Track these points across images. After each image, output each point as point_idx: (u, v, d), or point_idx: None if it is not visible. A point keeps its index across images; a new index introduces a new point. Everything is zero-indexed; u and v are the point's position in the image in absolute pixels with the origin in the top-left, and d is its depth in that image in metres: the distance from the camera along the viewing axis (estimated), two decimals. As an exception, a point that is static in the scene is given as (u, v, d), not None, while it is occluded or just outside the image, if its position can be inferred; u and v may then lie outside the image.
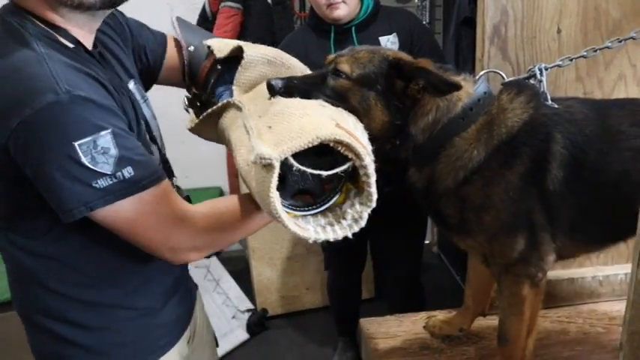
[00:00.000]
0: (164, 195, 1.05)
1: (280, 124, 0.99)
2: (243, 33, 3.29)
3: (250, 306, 3.28)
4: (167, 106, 1.25)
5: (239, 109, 1.15)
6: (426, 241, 3.18)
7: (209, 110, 1.24)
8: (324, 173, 0.97)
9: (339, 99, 1.16)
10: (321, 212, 1.02)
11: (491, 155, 1.19)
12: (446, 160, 1.22)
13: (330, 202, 1.01)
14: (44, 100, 0.92)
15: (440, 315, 1.69)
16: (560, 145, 1.19)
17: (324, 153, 0.97)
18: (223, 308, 3.25)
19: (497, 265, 1.27)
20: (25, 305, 1.19)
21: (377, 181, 0.99)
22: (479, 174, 1.19)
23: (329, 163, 0.98)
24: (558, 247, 1.24)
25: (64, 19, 1.05)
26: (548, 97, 1.23)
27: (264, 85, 1.16)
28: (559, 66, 1.33)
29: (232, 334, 3.13)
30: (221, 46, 1.32)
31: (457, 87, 1.14)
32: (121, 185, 0.98)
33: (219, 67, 1.32)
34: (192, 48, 1.34)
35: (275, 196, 0.92)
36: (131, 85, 1.23)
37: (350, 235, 1.00)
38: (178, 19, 1.38)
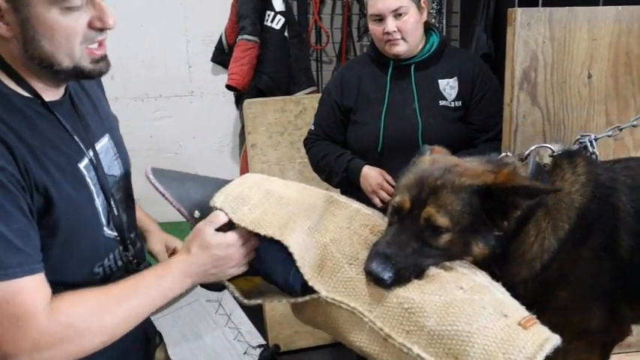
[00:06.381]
0: (9, 298, 0.91)
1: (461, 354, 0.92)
2: (259, 66, 3.29)
3: (262, 341, 3.21)
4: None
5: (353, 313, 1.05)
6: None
7: (292, 300, 1.15)
8: None
9: (445, 255, 1.09)
10: None
11: (564, 240, 1.15)
12: (516, 249, 1.16)
13: None
14: None
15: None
16: (624, 212, 1.15)
17: None
18: (235, 344, 3.18)
19: (572, 332, 1.21)
20: None
21: None
22: (555, 260, 1.16)
23: None
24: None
25: (28, 72, 1.04)
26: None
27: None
28: (609, 136, 1.30)
29: (243, 370, 3.07)
30: (233, 206, 1.10)
31: (558, 190, 1.13)
32: None
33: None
34: (197, 214, 1.11)
35: None
36: (105, 140, 1.18)
37: None
38: (153, 170, 1.14)
